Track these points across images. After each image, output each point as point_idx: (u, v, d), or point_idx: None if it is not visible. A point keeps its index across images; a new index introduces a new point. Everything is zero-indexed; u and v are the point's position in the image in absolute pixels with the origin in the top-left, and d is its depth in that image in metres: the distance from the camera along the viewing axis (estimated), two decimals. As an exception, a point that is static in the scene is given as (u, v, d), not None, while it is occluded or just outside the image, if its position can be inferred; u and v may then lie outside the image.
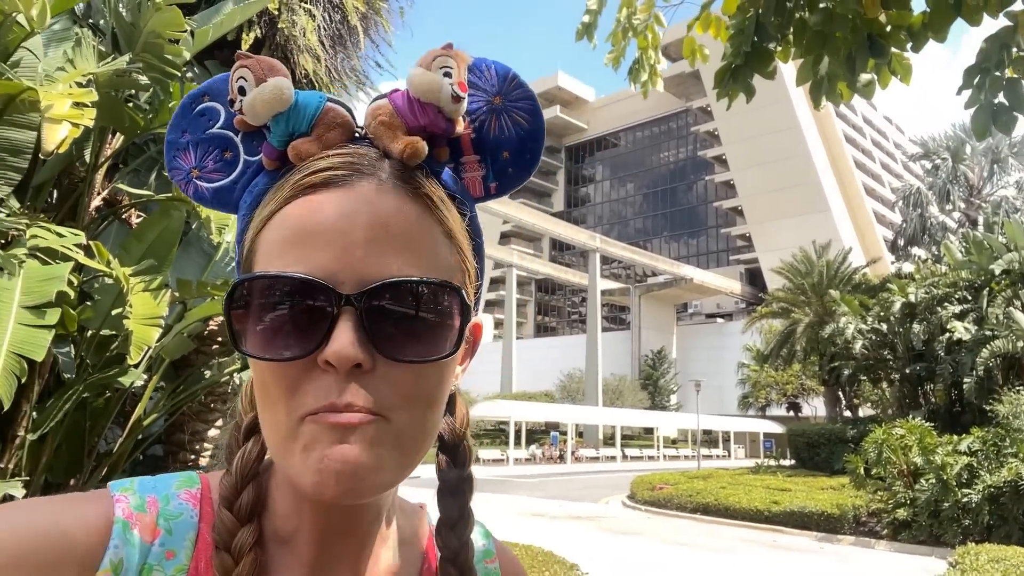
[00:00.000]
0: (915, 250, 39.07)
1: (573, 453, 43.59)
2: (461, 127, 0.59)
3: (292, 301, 0.51)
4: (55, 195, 4.67)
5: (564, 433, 45.23)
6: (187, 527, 0.56)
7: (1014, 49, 2.11)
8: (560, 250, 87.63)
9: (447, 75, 0.57)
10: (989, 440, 13.63)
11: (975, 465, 13.11)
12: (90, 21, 4.60)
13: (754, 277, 72.85)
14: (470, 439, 0.68)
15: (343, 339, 0.49)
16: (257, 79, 0.56)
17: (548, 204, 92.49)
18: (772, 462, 29.12)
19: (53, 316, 2.17)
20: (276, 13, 4.81)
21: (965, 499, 12.58)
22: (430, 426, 0.55)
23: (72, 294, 2.60)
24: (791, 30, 2.22)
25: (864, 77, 2.30)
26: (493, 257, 59.69)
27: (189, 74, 5.04)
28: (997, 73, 2.14)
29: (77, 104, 2.48)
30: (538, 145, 0.63)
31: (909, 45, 2.26)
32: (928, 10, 2.15)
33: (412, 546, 0.67)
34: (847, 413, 30.69)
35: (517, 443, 41.80)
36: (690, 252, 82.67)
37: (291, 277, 0.50)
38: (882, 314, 22.65)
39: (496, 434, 48.70)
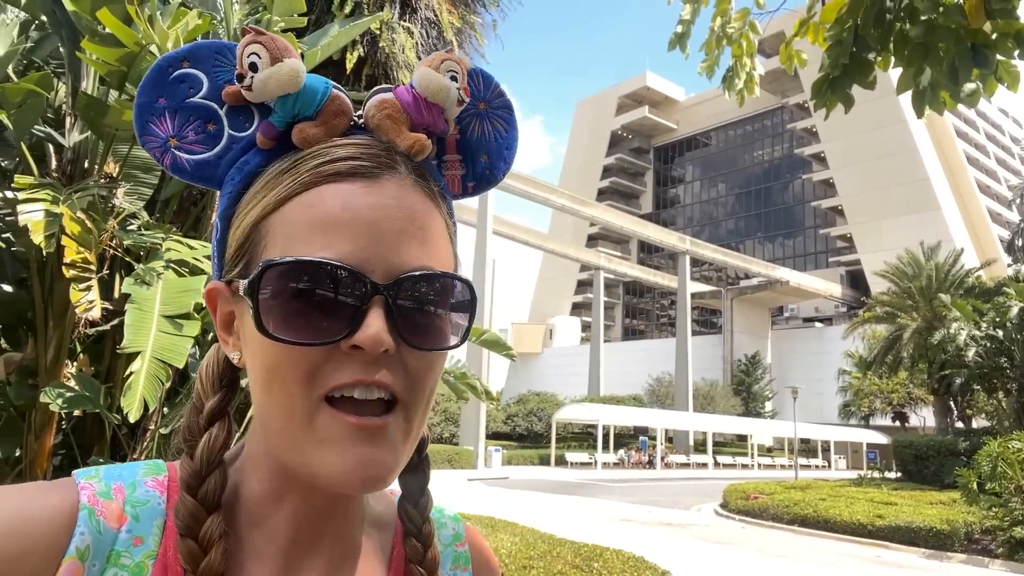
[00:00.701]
0: (1036, 251, 36.29)
1: (663, 458, 42.86)
2: (452, 128, 0.63)
3: (325, 287, 0.51)
4: (176, 208, 5.06)
5: (653, 438, 44.54)
6: (154, 513, 0.55)
7: None
8: (649, 252, 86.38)
9: (453, 79, 0.60)
10: (1121, 457, 12.55)
11: (1104, 483, 12.11)
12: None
13: (856, 280, 69.51)
14: (427, 452, 0.69)
15: (377, 325, 0.50)
16: (272, 58, 0.55)
17: (636, 206, 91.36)
18: (876, 474, 27.71)
19: (192, 328, 2.37)
20: (378, 32, 5.04)
21: (1092, 520, 11.65)
22: (427, 413, 0.57)
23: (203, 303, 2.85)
24: (891, 41, 2.18)
25: (968, 87, 2.23)
26: (580, 259, 59.55)
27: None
28: None
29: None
30: (513, 153, 0.66)
31: (1016, 52, 2.18)
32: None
33: (384, 529, 0.67)
34: (959, 424, 28.86)
35: (605, 447, 41.51)
36: (786, 254, 79.73)
37: (325, 264, 0.51)
38: (998, 319, 21.19)
39: (584, 437, 48.49)
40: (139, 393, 2.15)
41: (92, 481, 0.55)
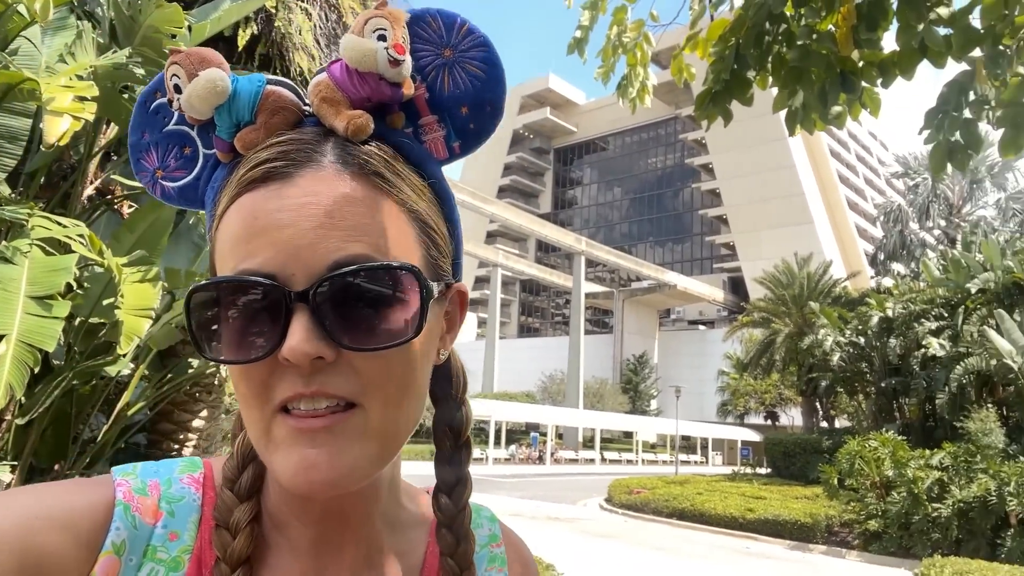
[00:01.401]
0: (895, 265, 39.58)
1: (552, 454, 43.72)
2: (411, 89, 0.56)
3: (245, 302, 0.50)
4: (42, 182, 4.69)
5: (544, 434, 45.36)
6: (190, 509, 0.56)
7: (971, 93, 2.23)
8: (546, 251, 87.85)
9: (382, 39, 0.54)
10: (960, 456, 13.89)
11: (946, 480, 13.36)
12: (85, 8, 4.62)
13: (737, 286, 73.44)
14: (469, 405, 0.67)
15: (297, 335, 0.48)
16: (189, 74, 0.54)
17: (535, 205, 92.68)
18: (748, 470, 29.43)
19: (62, 308, 2.20)
20: (273, 11, 4.86)
21: (935, 513, 12.82)
22: (408, 410, 0.54)
23: (75, 284, 2.64)
24: (769, 61, 2.33)
25: (835, 109, 2.42)
26: (478, 256, 59.69)
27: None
28: (955, 114, 2.26)
29: (79, 98, 2.53)
30: (497, 95, 0.59)
31: (880, 81, 2.38)
32: (897, 50, 2.27)
33: (417, 529, 0.66)
34: (824, 424, 31.05)
35: (497, 443, 41.89)
36: (675, 258, 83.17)
37: (240, 280, 0.49)
38: (860, 327, 22.94)
39: (476, 433, 48.64)
40: (4, 379, 1.98)
41: (128, 478, 0.55)
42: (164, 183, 0.58)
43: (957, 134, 2.26)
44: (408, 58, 0.54)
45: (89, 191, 4.47)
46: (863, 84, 2.37)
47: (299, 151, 0.52)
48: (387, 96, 0.54)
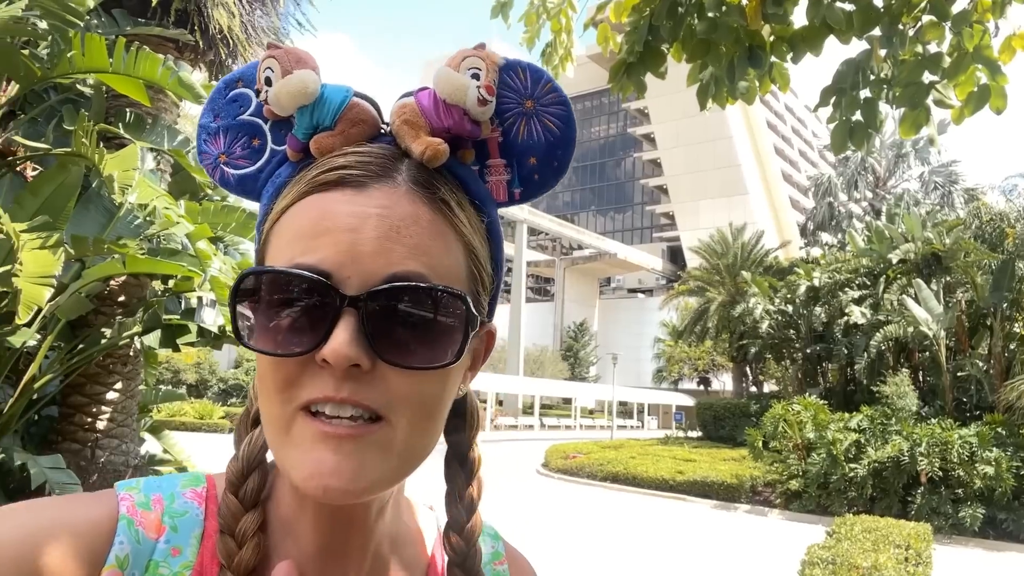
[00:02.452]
0: (823, 236, 41.01)
1: (492, 421, 44.18)
2: (488, 130, 0.58)
3: (295, 297, 0.50)
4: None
5: (484, 401, 45.76)
6: (193, 524, 0.56)
7: (869, 73, 2.29)
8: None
9: (475, 76, 0.56)
10: (876, 418, 14.63)
11: (863, 441, 14.06)
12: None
13: (675, 255, 74.93)
14: (479, 447, 0.67)
15: (341, 338, 0.48)
16: (283, 70, 0.55)
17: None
18: (681, 434, 30.37)
19: None
20: (189, -36, 4.62)
21: (852, 473, 13.50)
22: (430, 434, 0.54)
23: None
24: (681, 34, 2.33)
25: (743, 84, 2.44)
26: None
27: (95, 22, 4.79)
28: (854, 93, 2.31)
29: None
30: (567, 153, 0.61)
31: (789, 56, 2.41)
32: (806, 25, 2.30)
33: (418, 546, 0.66)
34: (753, 389, 32.22)
35: (436, 410, 41.95)
36: (616, 227, 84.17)
37: (295, 274, 0.49)
38: (789, 296, 23.75)
39: (416, 401, 48.73)
40: None
41: (132, 492, 0.55)
42: (226, 168, 0.60)
43: (858, 113, 2.32)
44: (494, 100, 0.57)
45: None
46: (773, 59, 2.41)
47: (376, 164, 0.53)
48: (466, 131, 0.57)
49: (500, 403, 51.07)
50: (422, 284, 0.50)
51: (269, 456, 0.58)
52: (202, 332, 5.38)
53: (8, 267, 3.14)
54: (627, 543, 10.83)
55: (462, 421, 0.67)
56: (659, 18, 2.25)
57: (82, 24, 3.70)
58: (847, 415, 15.24)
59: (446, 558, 0.64)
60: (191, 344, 5.56)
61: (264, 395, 0.52)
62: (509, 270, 68.04)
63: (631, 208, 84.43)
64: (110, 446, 5.33)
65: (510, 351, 53.95)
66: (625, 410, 55.60)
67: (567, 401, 55.41)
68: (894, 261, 20.25)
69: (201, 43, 5.21)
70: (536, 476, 20.16)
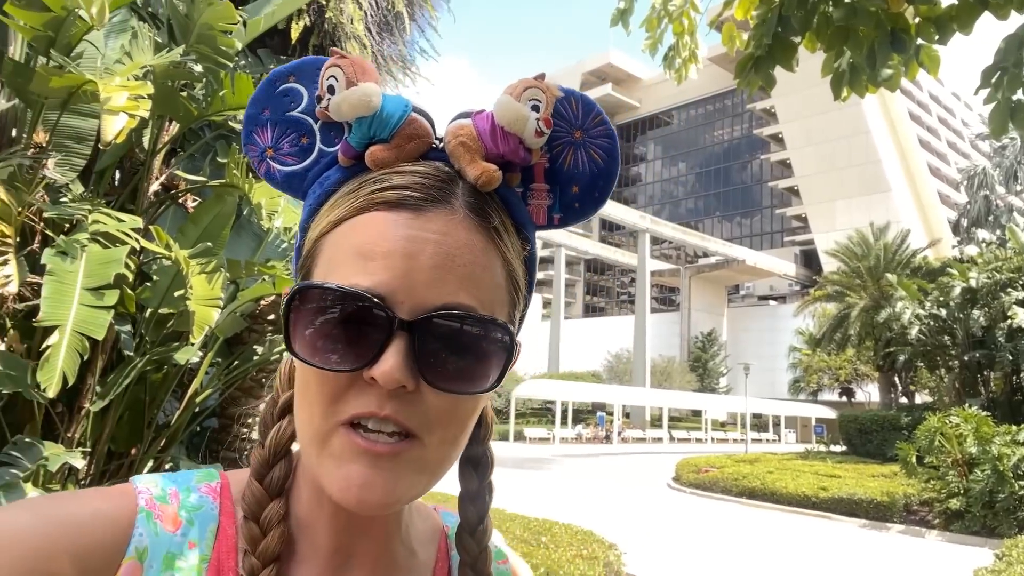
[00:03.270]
0: (979, 232, 37.55)
1: (619, 434, 43.56)
2: (537, 156, 0.60)
3: (349, 315, 0.51)
4: (117, 179, 4.91)
5: (611, 414, 45.20)
6: (208, 519, 0.57)
7: None
8: (610, 230, 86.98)
9: (535, 108, 0.57)
10: (1050, 431, 13.16)
11: (1034, 457, 12.69)
12: (149, 11, 4.79)
13: (809, 259, 71.10)
14: (491, 448, 0.69)
15: (392, 361, 0.50)
16: (347, 81, 0.56)
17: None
18: (823, 448, 28.62)
19: (112, 297, 2.32)
20: (324, 2, 4.92)
21: (1022, 491, 12.21)
22: (458, 449, 0.57)
23: (130, 276, 2.77)
24: (815, 23, 2.20)
25: (886, 72, 2.26)
26: (541, 236, 59.53)
27: (242, 62, 5.20)
28: (1016, 70, 2.09)
29: (134, 96, 2.63)
30: (609, 185, 0.62)
31: (937, 37, 2.22)
32: (955, 3, 2.11)
33: (427, 547, 0.67)
34: (903, 400, 29.89)
35: (563, 422, 41.99)
36: (743, 233, 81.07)
37: (353, 293, 0.51)
38: (941, 299, 21.88)
39: (543, 413, 48.98)
40: (58, 368, 2.10)
41: (148, 486, 0.57)
42: (272, 163, 0.60)
43: (1020, 92, 2.10)
44: (549, 132, 0.58)
45: (155, 187, 4.66)
46: (919, 42, 2.22)
47: (435, 187, 0.54)
48: (519, 159, 0.58)
49: (627, 416, 50.30)
50: (470, 313, 0.52)
51: (294, 446, 0.60)
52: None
53: (182, 291, 3.44)
54: (768, 563, 10.31)
55: (477, 426, 0.67)
56: (789, 8, 2.14)
57: (231, 65, 4.01)
58: (1014, 427, 13.80)
59: (453, 558, 0.67)
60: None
61: (306, 405, 0.54)
62: (632, 280, 67.12)
63: (759, 212, 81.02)
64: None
65: (635, 363, 53.06)
66: (760, 423, 53.16)
67: (696, 413, 53.74)
68: (1066, 257, 18.22)
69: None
70: (667, 490, 19.65)
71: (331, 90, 0.57)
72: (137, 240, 2.73)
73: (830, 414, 43.86)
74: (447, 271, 0.52)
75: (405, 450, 0.52)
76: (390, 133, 0.56)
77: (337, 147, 0.59)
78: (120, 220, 2.77)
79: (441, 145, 0.58)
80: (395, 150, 0.56)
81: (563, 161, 0.61)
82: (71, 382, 2.21)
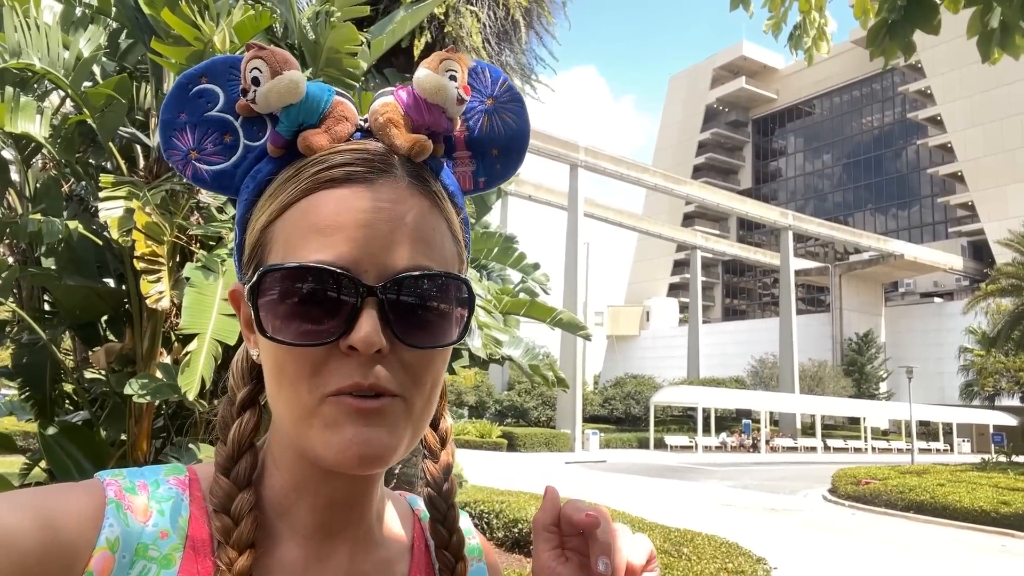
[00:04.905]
0: None
1: (767, 442, 41.53)
2: (457, 126, 0.63)
3: (319, 290, 0.53)
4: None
5: (757, 421, 43.19)
6: (179, 508, 0.58)
7: None
8: (749, 230, 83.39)
9: (452, 78, 0.60)
10: None
11: None
12: (287, 41, 5.12)
13: (979, 251, 64.63)
14: (449, 416, 0.73)
15: (368, 326, 0.53)
16: (272, 71, 0.57)
17: (735, 182, 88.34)
18: (1003, 458, 25.84)
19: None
20: (443, 17, 5.05)
21: None
22: (433, 404, 0.60)
23: None
24: (958, -24, 1.94)
25: None
26: (676, 239, 58.27)
27: (371, 84, 5.45)
28: None
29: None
30: (523, 144, 0.67)
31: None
32: None
33: (402, 525, 0.71)
34: (1101, 405, 26.41)
35: (706, 430, 40.62)
36: (900, 225, 75.04)
37: (319, 268, 0.53)
38: None
39: (683, 420, 47.63)
40: (198, 372, 2.27)
41: (117, 479, 0.58)
42: (198, 165, 0.61)
43: None
44: (468, 99, 0.63)
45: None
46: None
47: (378, 161, 0.57)
48: (442, 128, 0.62)
49: (775, 423, 47.90)
50: (431, 271, 0.56)
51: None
52: (472, 356, 5.75)
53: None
54: (940, 584, 9.39)
55: (432, 428, 0.72)
56: (928, -39, 1.90)
57: (359, 85, 4.19)
58: None
59: (427, 536, 0.71)
60: (465, 367, 5.96)
61: (287, 386, 0.55)
62: (775, 281, 63.95)
63: (918, 202, 74.68)
64: (404, 460, 5.90)
65: (783, 367, 50.43)
66: (928, 431, 48.83)
67: (854, 421, 50.20)
68: None
69: (458, 88, 5.65)
70: (822, 503, 18.44)
71: (256, 82, 0.58)
72: None
73: (1011, 421, 39.56)
74: (403, 235, 0.55)
75: (390, 405, 0.54)
76: (318, 118, 0.58)
77: (262, 141, 0.60)
78: None
79: (366, 125, 0.60)
80: (326, 134, 0.58)
81: (480, 128, 0.65)
82: (207, 385, 2.38)
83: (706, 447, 39.43)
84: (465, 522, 0.75)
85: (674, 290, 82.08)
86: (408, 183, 0.58)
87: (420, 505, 0.75)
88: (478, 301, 4.40)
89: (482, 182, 0.67)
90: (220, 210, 4.08)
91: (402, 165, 0.58)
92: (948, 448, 46.44)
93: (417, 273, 0.55)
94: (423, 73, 0.60)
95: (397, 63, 5.58)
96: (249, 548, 0.56)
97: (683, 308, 73.91)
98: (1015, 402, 42.01)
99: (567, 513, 0.58)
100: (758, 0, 2.77)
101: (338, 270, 0.53)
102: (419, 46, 5.06)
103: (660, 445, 39.68)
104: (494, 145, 0.66)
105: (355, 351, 0.53)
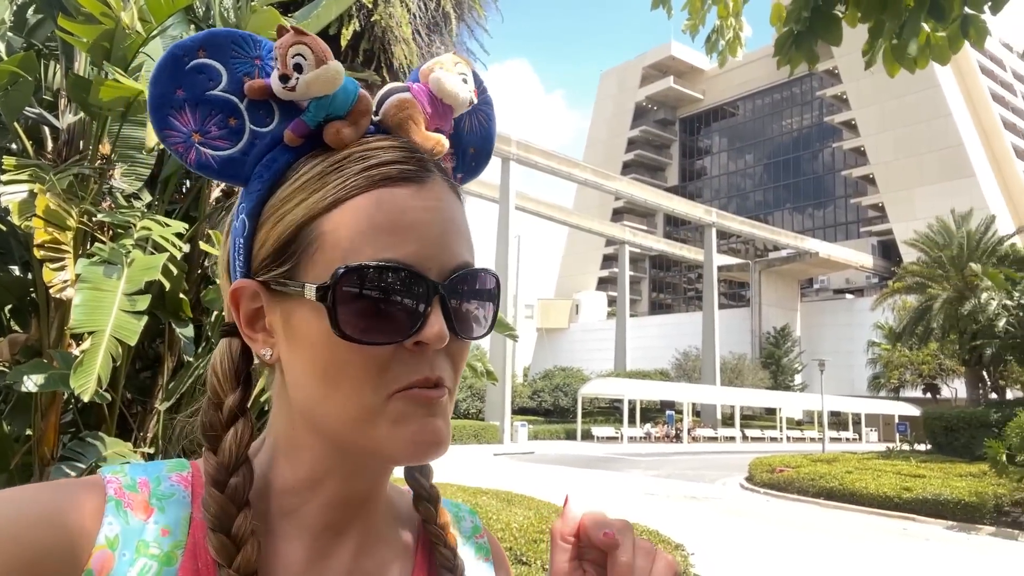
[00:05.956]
0: (1076, 216, 35.21)
1: (690, 432, 42.82)
2: (450, 126, 0.65)
3: (393, 288, 0.54)
4: (187, 187, 5.09)
5: (680, 412, 44.47)
6: (180, 506, 0.56)
7: None
8: (675, 226, 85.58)
9: (464, 81, 0.63)
10: None
11: None
12: (208, 23, 4.95)
13: (888, 250, 68.22)
14: None
15: (439, 323, 0.54)
16: (317, 60, 0.56)
17: (662, 179, 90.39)
18: (906, 447, 27.41)
19: (143, 303, 2.37)
20: (371, 6, 4.97)
21: None
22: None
23: (167, 283, 2.82)
24: (855, -8, 2.06)
25: (913, 47, 2.09)
26: (605, 234, 59.25)
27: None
28: None
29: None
30: (491, 145, 0.70)
31: (988, 6, 2.03)
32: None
33: (407, 520, 0.70)
34: (992, 395, 28.31)
35: (631, 421, 41.55)
36: (816, 224, 78.44)
37: (399, 266, 0.54)
38: (1033, 288, 20.64)
39: (610, 412, 48.56)
40: (94, 372, 2.18)
41: (117, 475, 0.56)
42: (203, 149, 0.57)
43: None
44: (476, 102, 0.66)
45: (216, 193, 4.81)
46: (967, 11, 2.05)
47: (421, 160, 0.58)
48: (447, 129, 0.63)
49: (697, 414, 49.39)
50: (479, 269, 0.59)
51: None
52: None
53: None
54: (846, 566, 9.91)
55: None
56: (830, -24, 2.01)
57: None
58: (1119, 424, 12.87)
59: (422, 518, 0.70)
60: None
61: (345, 386, 0.54)
62: (699, 276, 65.81)
63: (832, 202, 78.22)
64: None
65: (705, 360, 52.04)
66: (838, 421, 51.31)
67: (770, 412, 52.35)
68: None
69: (387, 78, 5.60)
70: (739, 491, 19.16)
71: (298, 68, 0.55)
72: (179, 246, 2.80)
73: (914, 411, 41.96)
74: (454, 233, 0.57)
75: (444, 395, 0.56)
76: (346, 110, 0.58)
77: (269, 127, 0.58)
78: (167, 226, 2.85)
79: (378, 119, 0.61)
80: (353, 126, 0.58)
81: (464, 127, 0.67)
82: (104, 384, 2.28)
83: (631, 438, 40.34)
84: (470, 519, 0.77)
85: (603, 284, 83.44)
86: (442, 179, 0.59)
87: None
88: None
89: (459, 178, 0.68)
90: (136, 196, 3.92)
91: (434, 166, 0.59)
92: (857, 437, 48.92)
93: (470, 270, 0.58)
94: (443, 75, 0.62)
95: (324, 50, 5.47)
96: (253, 574, 0.54)
97: (611, 302, 75.25)
98: (918, 393, 44.59)
99: (587, 527, 0.56)
100: (678, 2, 2.86)
101: (413, 268, 0.54)
102: (346, 35, 4.96)
103: (587, 436, 40.35)
104: (472, 144, 0.69)
105: (421, 347, 0.54)
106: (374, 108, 0.61)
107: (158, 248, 2.73)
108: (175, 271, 2.86)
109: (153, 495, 0.56)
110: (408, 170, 0.56)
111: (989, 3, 2.05)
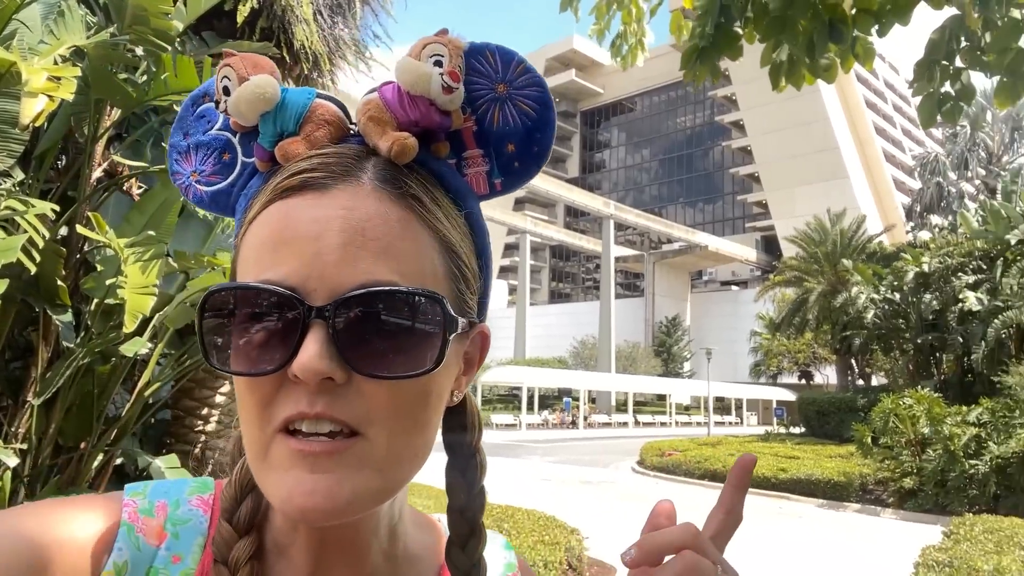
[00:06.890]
0: (932, 218, 38.56)
1: (586, 419, 43.97)
2: (459, 120, 0.55)
3: (261, 312, 0.48)
4: (63, 165, 4.74)
5: (577, 399, 45.60)
6: (195, 532, 0.55)
7: (962, 40, 2.09)
8: (575, 216, 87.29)
9: (438, 64, 0.53)
10: (998, 411, 13.60)
11: (983, 436, 13.10)
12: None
13: (770, 245, 72.31)
14: (483, 453, 0.64)
15: (309, 352, 0.46)
16: (240, 78, 0.53)
17: (563, 170, 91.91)
18: (783, 430, 29.27)
19: None
20: (271, -17, 4.79)
21: (972, 470, 12.61)
22: (415, 445, 0.51)
23: (31, 267, 2.64)
24: (752, 13, 2.19)
25: (825, 62, 2.27)
26: (507, 223, 59.62)
27: (188, 46, 5.05)
28: (946, 63, 2.12)
29: (55, 78, 2.51)
30: (547, 137, 0.57)
31: (875, 29, 2.23)
32: (892, -7, 2.12)
33: (425, 561, 0.63)
34: (860, 382, 30.66)
35: (530, 408, 42.22)
36: (706, 219, 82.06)
37: (257, 288, 0.47)
38: (895, 283, 22.45)
39: (509, 399, 49.15)
40: None
41: (136, 498, 0.55)
42: (198, 186, 0.58)
43: (947, 84, 2.13)
44: (461, 87, 0.53)
45: (98, 173, 4.51)
46: (856, 33, 2.23)
47: (339, 164, 0.50)
48: (435, 123, 0.53)
49: (593, 401, 50.75)
50: (389, 288, 0.47)
51: None
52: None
53: (114, 279, 3.34)
54: (731, 544, 10.49)
55: (463, 430, 0.63)
56: (730, -3, 2.13)
57: (170, 48, 3.89)
58: (965, 408, 14.24)
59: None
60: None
61: (243, 418, 0.50)
62: (597, 266, 67.54)
63: (721, 199, 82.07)
64: (218, 447, 5.60)
65: (601, 348, 53.52)
66: (722, 406, 54.11)
67: (661, 398, 54.48)
68: (1012, 242, 18.77)
69: (287, 58, 5.40)
70: (631, 474, 19.89)
71: (226, 91, 0.54)
72: (39, 229, 2.63)
73: (790, 397, 44.77)
74: (358, 247, 0.47)
75: (345, 448, 0.47)
76: (296, 124, 0.53)
77: (252, 156, 0.57)
78: (32, 206, 2.66)
79: (356, 128, 0.54)
80: (305, 141, 0.53)
81: (491, 120, 0.56)
82: None
83: (530, 424, 40.98)
84: (505, 556, 0.69)
85: (504, 272, 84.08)
86: (374, 187, 0.50)
87: None
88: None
89: (499, 183, 0.58)
90: (7, 175, 3.63)
91: (374, 168, 0.51)
92: (739, 421, 51.77)
93: (373, 290, 0.47)
94: (402, 62, 0.53)
95: (219, 27, 5.21)
96: None
97: (512, 290, 76.00)
98: (794, 380, 47.63)
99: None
100: (585, 6, 2.93)
101: (282, 289, 0.47)
102: (243, 11, 4.76)
103: (486, 424, 40.58)
104: (509, 139, 0.57)
105: (299, 379, 0.47)
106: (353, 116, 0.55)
107: (22, 229, 2.54)
108: (38, 256, 2.68)
109: (169, 519, 0.55)
110: (311, 178, 0.49)
111: (876, 27, 2.22)
